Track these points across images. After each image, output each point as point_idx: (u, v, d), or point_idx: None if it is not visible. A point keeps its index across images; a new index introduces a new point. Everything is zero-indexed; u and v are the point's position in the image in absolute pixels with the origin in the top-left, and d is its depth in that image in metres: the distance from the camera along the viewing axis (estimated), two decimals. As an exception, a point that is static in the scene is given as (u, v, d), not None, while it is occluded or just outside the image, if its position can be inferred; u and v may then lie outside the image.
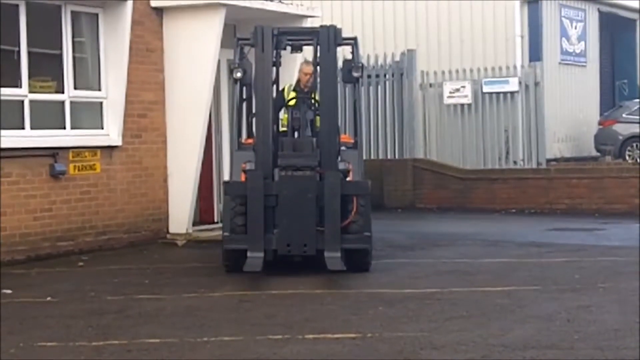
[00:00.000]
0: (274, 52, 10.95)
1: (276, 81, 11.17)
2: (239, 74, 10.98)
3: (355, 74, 11.01)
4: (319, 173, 10.48)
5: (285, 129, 11.22)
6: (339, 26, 11.11)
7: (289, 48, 11.41)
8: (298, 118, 10.92)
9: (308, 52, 11.73)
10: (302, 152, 10.56)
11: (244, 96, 11.46)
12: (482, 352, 6.87)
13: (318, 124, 10.92)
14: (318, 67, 10.97)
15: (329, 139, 10.66)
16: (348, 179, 10.72)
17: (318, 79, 10.97)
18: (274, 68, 11.03)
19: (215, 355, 6.94)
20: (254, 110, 11.31)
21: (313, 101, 11.10)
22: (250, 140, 11.28)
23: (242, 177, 10.72)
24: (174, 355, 6.96)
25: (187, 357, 6.91)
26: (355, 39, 11.39)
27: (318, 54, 10.91)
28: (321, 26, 11.16)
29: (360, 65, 11.11)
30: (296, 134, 11.00)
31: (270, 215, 10.36)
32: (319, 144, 10.65)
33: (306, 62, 11.58)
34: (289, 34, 11.28)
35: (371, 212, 10.73)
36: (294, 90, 11.32)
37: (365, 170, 11.31)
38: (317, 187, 10.36)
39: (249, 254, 10.19)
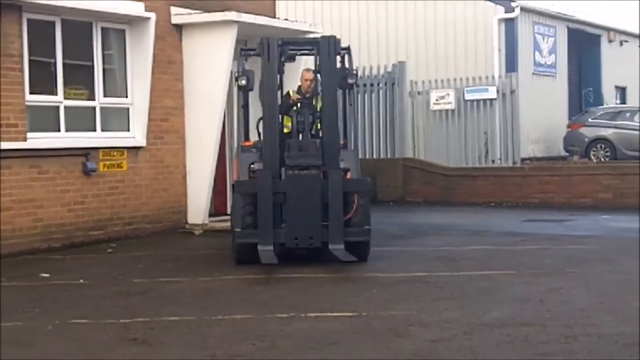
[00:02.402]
0: (279, 60, 10.84)
1: (280, 87, 11.08)
2: (243, 82, 10.88)
3: (350, 81, 10.85)
4: (323, 172, 10.36)
5: (288, 130, 11.10)
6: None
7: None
8: (302, 121, 10.79)
9: (309, 61, 11.67)
10: (308, 152, 10.42)
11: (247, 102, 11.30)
12: (464, 329, 6.86)
13: (319, 127, 10.84)
14: (319, 75, 10.81)
15: (330, 140, 10.53)
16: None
17: (319, 86, 10.84)
18: (279, 75, 10.92)
19: (229, 331, 6.94)
20: (251, 115, 11.15)
21: (314, 106, 10.99)
22: (248, 142, 11.11)
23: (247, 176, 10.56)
24: (191, 331, 6.96)
25: (203, 333, 6.92)
26: (348, 47, 11.20)
27: (319, 63, 10.77)
28: (322, 37, 10.98)
29: (355, 72, 10.99)
30: (300, 136, 10.89)
31: (279, 211, 10.17)
32: (322, 145, 10.58)
33: (307, 69, 11.45)
34: (292, 44, 11.15)
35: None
36: (297, 93, 11.23)
37: (360, 169, 11.24)
38: (321, 185, 10.19)
39: (259, 247, 9.96)
